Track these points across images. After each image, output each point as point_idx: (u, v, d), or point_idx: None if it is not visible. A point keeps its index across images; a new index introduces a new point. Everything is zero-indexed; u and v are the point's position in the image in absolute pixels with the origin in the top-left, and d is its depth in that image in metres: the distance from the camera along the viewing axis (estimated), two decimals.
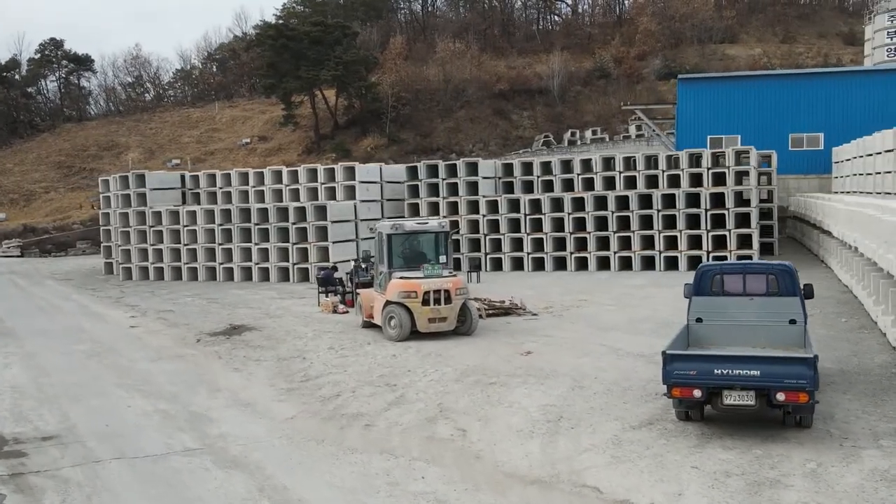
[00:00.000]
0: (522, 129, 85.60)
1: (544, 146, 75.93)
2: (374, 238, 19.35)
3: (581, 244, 31.00)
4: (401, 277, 17.29)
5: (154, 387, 14.23)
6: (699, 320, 12.06)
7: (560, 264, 31.11)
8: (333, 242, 30.27)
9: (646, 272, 29.24)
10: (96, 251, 53.95)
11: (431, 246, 18.31)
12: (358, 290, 19.76)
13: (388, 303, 17.39)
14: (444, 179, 32.99)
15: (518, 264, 31.53)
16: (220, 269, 32.12)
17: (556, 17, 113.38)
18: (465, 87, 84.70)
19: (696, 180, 30.76)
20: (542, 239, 31.29)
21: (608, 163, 32.49)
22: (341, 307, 22.06)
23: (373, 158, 69.01)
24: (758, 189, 30.25)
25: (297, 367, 15.25)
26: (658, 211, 29.80)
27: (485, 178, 32.91)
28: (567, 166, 33.29)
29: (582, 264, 30.75)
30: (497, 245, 32.06)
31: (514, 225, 31.86)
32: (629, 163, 32.01)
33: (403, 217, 33.01)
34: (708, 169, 30.79)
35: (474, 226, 32.40)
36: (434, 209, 33.02)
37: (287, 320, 21.05)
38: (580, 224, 31.00)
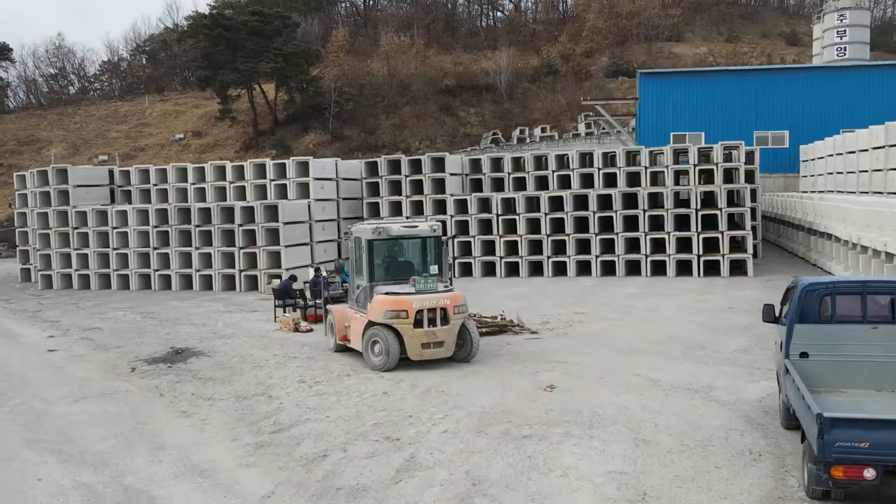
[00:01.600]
0: (470, 127, 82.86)
1: (493, 144, 73.28)
2: (348, 244, 16.19)
3: (558, 247, 28.24)
4: (386, 293, 14.14)
5: (75, 444, 10.79)
6: (804, 355, 9.26)
7: (536, 269, 28.33)
8: (286, 246, 26.87)
9: (631, 278, 26.66)
10: (13, 255, 49.29)
11: (420, 254, 15.22)
12: (328, 307, 16.49)
13: (370, 324, 14.23)
14: (406, 176, 29.86)
15: (490, 269, 28.65)
16: (155, 277, 28.38)
17: (498, 13, 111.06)
18: (411, 83, 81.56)
19: (684, 179, 28.39)
20: (515, 242, 28.44)
21: (584, 159, 29.83)
22: (304, 324, 18.78)
23: (315, 156, 65.32)
24: (746, 189, 27.87)
25: (263, 410, 12.00)
26: (644, 211, 27.26)
27: (452, 174, 29.91)
28: (539, 162, 30.52)
29: (559, 269, 28.00)
30: (466, 248, 29.09)
31: (485, 226, 28.95)
32: (607, 159, 29.45)
33: (364, 219, 29.87)
34: (695, 166, 28.45)
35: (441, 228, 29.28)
36: (396, 209, 29.89)
37: (240, 342, 17.70)
38: (557, 225, 28.25)
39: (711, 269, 26.58)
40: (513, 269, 28.46)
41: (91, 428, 11.59)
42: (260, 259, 26.83)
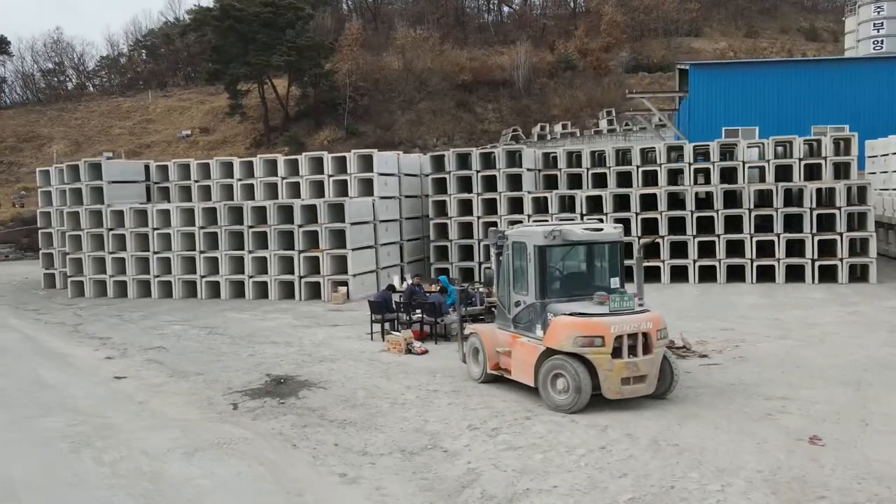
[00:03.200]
0: (488, 123, 79.94)
1: (513, 140, 70.42)
2: (496, 250, 13.26)
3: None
4: (571, 313, 11.20)
5: None
6: None
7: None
8: (353, 250, 23.90)
9: (735, 284, 23.87)
10: (20, 256, 46.10)
11: (598, 263, 12.29)
12: (471, 328, 13.52)
13: (549, 353, 11.31)
14: (478, 171, 26.90)
15: None
16: (202, 284, 25.33)
17: (506, 7, 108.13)
18: (428, 78, 78.55)
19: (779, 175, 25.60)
20: None
21: (670, 154, 26.95)
22: (417, 345, 15.81)
23: (330, 153, 62.32)
24: (844, 186, 24.91)
25: (453, 474, 9.06)
26: (750, 211, 24.46)
27: (528, 169, 26.98)
28: (620, 157, 27.63)
29: (652, 274, 24.95)
30: None
31: None
32: (669, 154, 26.68)
33: (429, 218, 27.00)
34: (801, 160, 25.65)
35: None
36: (466, 207, 26.95)
37: (348, 367, 14.73)
38: (649, 226, 25.37)
39: (825, 275, 23.85)
40: None
41: (225, 498, 8.65)
42: (323, 264, 23.85)
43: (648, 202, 25.85)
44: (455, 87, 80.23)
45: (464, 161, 27.43)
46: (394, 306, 17.39)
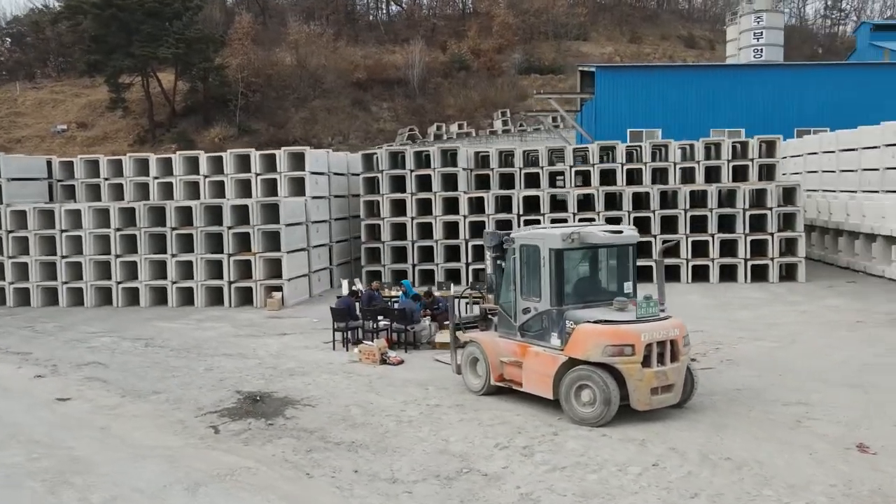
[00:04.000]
0: (383, 122, 79.10)
1: (409, 140, 69.82)
2: (494, 253, 12.50)
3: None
4: (596, 321, 10.58)
5: None
6: None
7: None
8: (288, 253, 22.57)
9: (671, 284, 23.97)
10: None
11: (614, 268, 11.73)
12: (469, 337, 12.68)
13: (573, 363, 10.66)
14: (412, 171, 26.03)
15: None
16: (118, 291, 23.31)
17: (395, 6, 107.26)
18: (322, 75, 76.80)
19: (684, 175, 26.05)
20: None
21: (606, 154, 26.93)
22: (393, 355, 14.85)
23: (222, 151, 59.74)
24: (775, 187, 25.51)
25: (503, 501, 8.26)
26: (686, 211, 24.74)
27: (464, 169, 26.33)
28: (553, 156, 27.38)
29: None
30: (479, 253, 25.62)
31: (506, 228, 25.54)
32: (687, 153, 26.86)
33: (360, 218, 25.94)
34: (729, 161, 26.14)
35: (452, 228, 25.76)
36: (399, 208, 26.03)
37: (326, 381, 13.61)
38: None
39: (755, 274, 24.40)
40: None
41: None
42: (256, 268, 22.40)
43: (583, 203, 25.75)
44: (350, 86, 78.87)
45: (396, 160, 26.48)
46: (357, 313, 16.30)
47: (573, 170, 26.83)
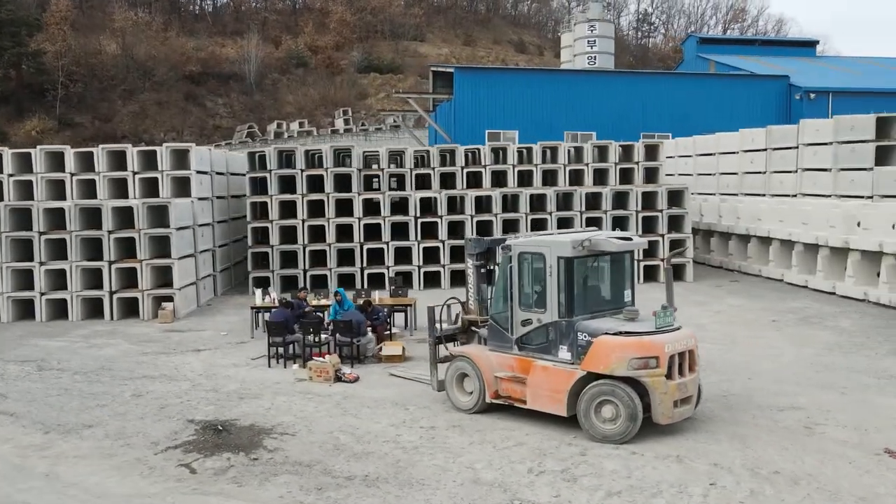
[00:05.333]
0: (220, 118, 75.70)
1: (248, 138, 67.17)
2: (478, 261, 11.75)
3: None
4: (616, 333, 10.10)
5: None
6: None
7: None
8: (179, 259, 20.61)
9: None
10: None
11: (619, 276, 11.28)
12: (459, 351, 11.80)
13: (592, 377, 10.12)
14: (303, 171, 24.61)
15: (407, 280, 24.42)
16: None
17: None
18: (152, 67, 72.14)
19: (549, 177, 26.53)
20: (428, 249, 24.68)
21: (497, 154, 26.68)
22: (348, 372, 13.70)
23: (39, 145, 54.47)
24: (665, 190, 26.37)
25: None
26: (581, 213, 24.99)
27: (358, 169, 25.20)
28: (445, 159, 26.83)
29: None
30: (378, 256, 24.71)
31: (402, 230, 24.80)
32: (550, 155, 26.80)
33: (247, 220, 24.25)
34: (616, 164, 26.73)
35: (347, 232, 24.62)
36: (289, 210, 24.54)
37: (284, 403, 12.30)
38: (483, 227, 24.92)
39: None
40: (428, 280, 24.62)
41: None
42: (142, 277, 20.27)
43: (482, 204, 25.43)
44: (182, 79, 74.77)
45: (287, 160, 24.96)
46: (294, 327, 14.95)
47: (465, 171, 26.33)
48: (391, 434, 10.64)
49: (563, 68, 56.14)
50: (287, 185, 24.78)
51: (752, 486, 8.57)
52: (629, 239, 11.08)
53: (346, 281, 24.14)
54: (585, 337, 10.26)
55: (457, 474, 9.18)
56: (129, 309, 20.54)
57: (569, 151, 27.10)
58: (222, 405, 12.24)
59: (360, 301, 16.38)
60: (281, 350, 14.84)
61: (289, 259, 24.56)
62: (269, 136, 68.10)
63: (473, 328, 12.09)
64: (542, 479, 8.97)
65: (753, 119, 39.20)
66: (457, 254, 24.84)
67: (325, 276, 24.32)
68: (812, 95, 46.19)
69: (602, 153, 27.17)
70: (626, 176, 26.91)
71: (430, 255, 24.91)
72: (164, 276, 20.99)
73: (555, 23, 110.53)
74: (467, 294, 12.24)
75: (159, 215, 20.91)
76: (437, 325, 12.08)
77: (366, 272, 24.37)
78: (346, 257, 24.58)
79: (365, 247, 24.47)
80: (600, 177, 26.72)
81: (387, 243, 24.50)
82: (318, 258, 24.52)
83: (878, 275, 20.38)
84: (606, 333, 10.11)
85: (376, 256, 24.69)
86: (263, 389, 13.10)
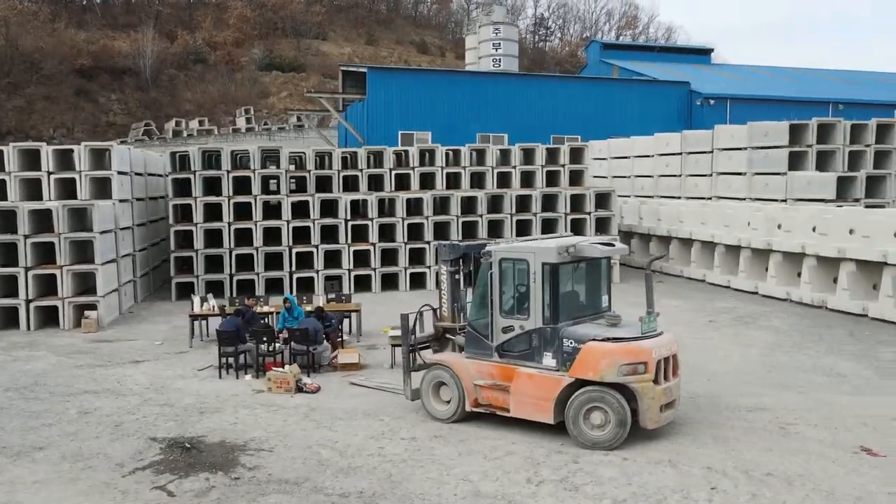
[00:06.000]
0: (113, 115, 72.56)
1: (145, 136, 64.74)
2: (453, 267, 11.55)
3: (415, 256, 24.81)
4: (605, 339, 10.09)
5: None
6: None
7: (367, 283, 24.42)
8: (103, 264, 19.52)
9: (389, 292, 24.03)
10: None
11: (596, 281, 11.28)
12: (436, 359, 11.53)
13: (580, 384, 10.08)
14: (229, 172, 23.77)
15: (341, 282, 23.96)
16: None
17: None
18: (40, 60, 68.40)
19: (479, 180, 26.77)
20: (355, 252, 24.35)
21: (424, 156, 26.48)
22: (309, 382, 13.22)
23: None
24: (593, 193, 26.82)
25: None
26: (512, 216, 25.12)
27: (286, 171, 24.52)
28: (373, 160, 26.47)
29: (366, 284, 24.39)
30: (307, 261, 24.14)
31: (331, 232, 24.32)
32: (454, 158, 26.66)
33: (169, 223, 23.27)
34: (543, 166, 27.01)
35: (274, 234, 23.95)
36: (214, 213, 23.67)
37: (249, 416, 11.76)
38: (412, 232, 24.72)
39: None
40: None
41: None
42: (63, 283, 19.08)
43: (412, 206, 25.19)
44: (72, 73, 71.23)
45: (211, 160, 24.06)
46: (246, 336, 14.34)
47: (392, 173, 26.03)
48: (373, 447, 10.30)
49: (476, 70, 56.32)
50: (211, 186, 23.90)
51: (750, 488, 8.71)
52: (612, 245, 11.10)
53: (274, 285, 23.51)
54: (572, 343, 10.21)
55: (455, 487, 8.95)
56: (47, 318, 19.31)
57: (496, 154, 27.16)
58: (183, 421, 11.58)
59: (249, 306, 15.93)
60: (231, 360, 14.18)
61: (213, 263, 23.69)
62: (167, 135, 65.77)
63: (448, 335, 11.87)
64: (543, 489, 8.85)
65: (657, 123, 40.53)
66: (388, 256, 24.59)
67: (253, 281, 23.59)
68: (711, 101, 48.11)
69: (528, 156, 27.39)
70: (551, 178, 27.20)
71: (361, 259, 24.52)
72: (84, 283, 19.86)
73: (455, 24, 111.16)
74: (440, 301, 11.99)
75: (79, 218, 19.77)
76: (412, 333, 11.79)
77: (294, 276, 23.76)
78: (273, 261, 23.90)
79: (294, 250, 23.84)
80: (527, 179, 26.92)
81: (316, 247, 23.95)
82: (245, 262, 23.74)
83: (799, 275, 21.29)
84: (594, 339, 10.08)
85: (305, 260, 24.12)
86: (222, 402, 12.49)
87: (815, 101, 47.29)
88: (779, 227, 22.11)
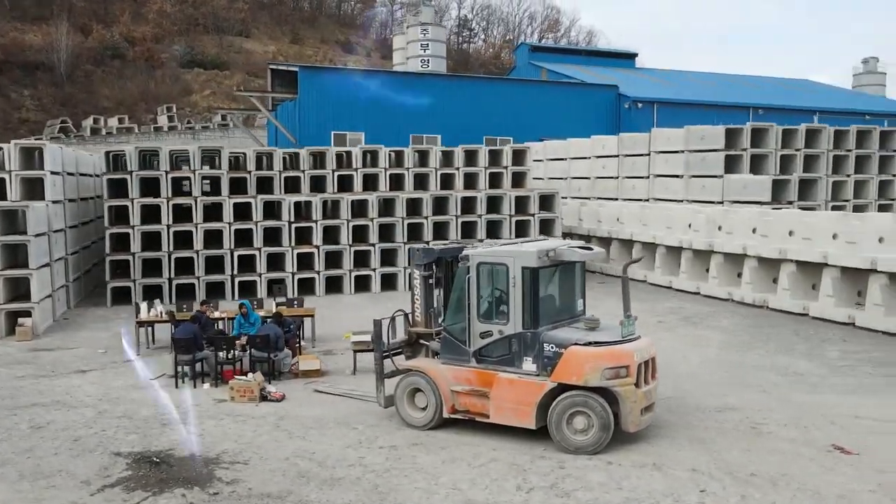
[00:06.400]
0: (26, 111, 69.53)
1: (61, 133, 62.32)
2: (426, 272, 11.38)
3: (359, 259, 24.51)
4: (587, 343, 10.07)
5: None
6: None
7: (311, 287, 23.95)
8: (38, 268, 18.60)
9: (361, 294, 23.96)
10: None
11: (571, 285, 11.25)
12: (409, 366, 11.30)
13: (562, 388, 10.04)
14: (167, 172, 23.00)
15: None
16: None
17: None
18: None
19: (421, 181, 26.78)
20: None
21: (367, 157, 26.09)
22: (274, 390, 12.83)
23: None
24: (537, 195, 26.95)
25: None
26: (455, 217, 25.06)
27: (226, 172, 23.83)
28: (316, 161, 26.00)
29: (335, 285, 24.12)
30: (248, 264, 23.56)
31: (274, 235, 23.82)
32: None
33: (105, 226, 22.42)
34: (486, 168, 27.02)
35: (215, 237, 23.29)
36: (153, 214, 22.85)
37: (214, 427, 11.32)
38: (356, 234, 24.42)
39: None
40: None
41: None
42: None
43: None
44: None
45: (148, 160, 23.23)
46: (202, 343, 13.82)
47: (283, 175, 25.47)
48: (353, 456, 10.04)
49: (409, 71, 56.15)
50: (148, 187, 23.09)
51: (738, 490, 8.81)
52: (590, 248, 11.11)
53: (215, 289, 22.90)
54: (552, 348, 10.16)
55: (445, 497, 8.79)
56: None
57: (438, 155, 27.01)
58: (145, 433, 11.07)
59: (203, 311, 15.49)
60: (187, 368, 13.67)
61: (151, 267, 22.89)
62: (85, 133, 63.52)
63: (422, 341, 11.67)
64: (534, 496, 8.76)
65: (588, 125, 41.23)
66: (332, 259, 24.21)
67: (193, 285, 22.89)
68: (639, 105, 49.12)
69: (470, 157, 27.34)
70: (494, 180, 27.23)
71: (304, 262, 24.05)
72: (15, 289, 18.88)
73: (379, 24, 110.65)
74: (413, 305, 11.79)
75: (10, 221, 18.80)
76: (384, 339, 11.57)
77: (237, 280, 23.16)
78: (213, 265, 23.23)
79: (235, 253, 23.24)
80: (470, 181, 26.88)
81: (259, 249, 23.40)
82: (184, 266, 23.00)
83: (740, 276, 21.86)
84: (576, 344, 10.05)
85: (247, 263, 23.53)
86: (184, 414, 11.99)
87: (737, 106, 48.82)
88: (719, 228, 22.66)
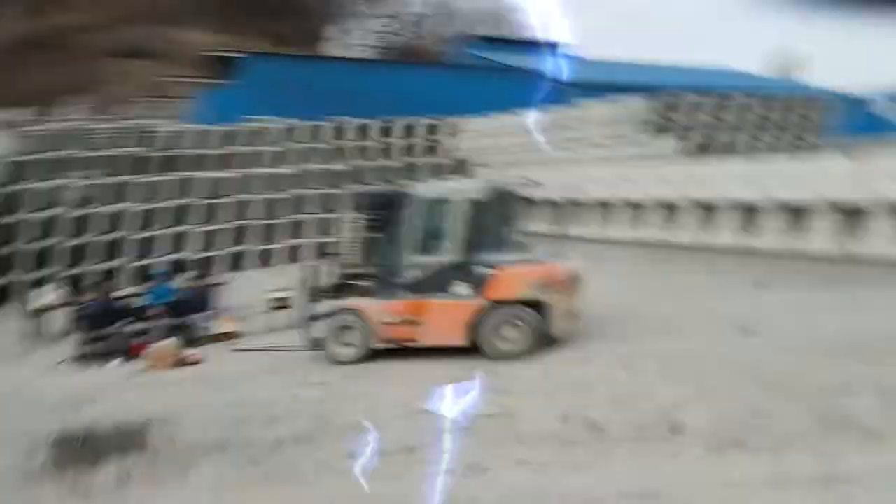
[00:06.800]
0: None
1: None
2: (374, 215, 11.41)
3: None
4: (517, 262, 10.74)
5: None
6: None
7: None
8: None
9: None
10: None
11: (510, 217, 11.67)
12: (338, 304, 11.18)
13: (499, 304, 10.38)
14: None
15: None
16: None
17: None
18: None
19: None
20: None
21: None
22: (192, 353, 12.38)
23: None
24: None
25: None
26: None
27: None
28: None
29: None
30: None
31: None
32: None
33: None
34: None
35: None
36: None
37: (132, 397, 10.64)
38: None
39: None
40: None
41: None
42: None
43: None
44: None
45: (58, 141, 22.22)
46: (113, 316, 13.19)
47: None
48: (287, 396, 9.68)
49: (347, 57, 55.26)
50: None
51: (660, 366, 9.08)
52: (533, 182, 11.54)
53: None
54: (485, 270, 10.51)
55: (393, 409, 8.62)
56: None
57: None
58: (61, 415, 10.29)
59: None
60: (97, 346, 13.03)
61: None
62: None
63: (353, 282, 11.67)
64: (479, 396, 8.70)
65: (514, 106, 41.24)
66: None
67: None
68: (573, 89, 49.39)
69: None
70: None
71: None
72: None
73: (315, 15, 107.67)
74: (344, 250, 12.06)
75: None
76: (310, 284, 11.55)
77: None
78: None
79: None
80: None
81: None
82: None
83: None
84: (508, 264, 10.51)
85: None
86: (99, 391, 11.33)
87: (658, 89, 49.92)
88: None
